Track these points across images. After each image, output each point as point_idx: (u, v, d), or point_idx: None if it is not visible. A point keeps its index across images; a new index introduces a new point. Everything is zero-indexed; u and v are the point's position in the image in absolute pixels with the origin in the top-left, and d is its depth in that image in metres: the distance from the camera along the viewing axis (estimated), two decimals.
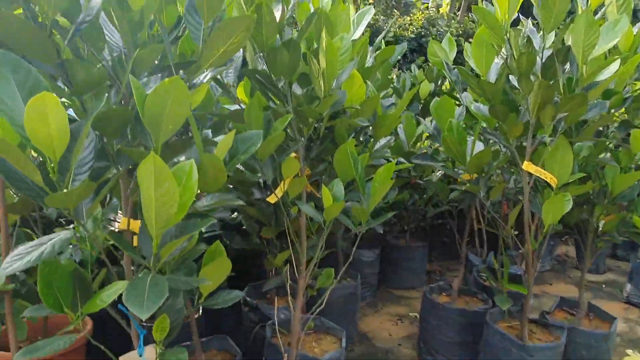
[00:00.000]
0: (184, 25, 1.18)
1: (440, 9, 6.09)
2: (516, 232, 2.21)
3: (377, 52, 2.33)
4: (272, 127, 1.41)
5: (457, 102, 2.93)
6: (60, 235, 0.96)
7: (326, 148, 1.64)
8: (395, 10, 4.81)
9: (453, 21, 4.89)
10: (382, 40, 3.21)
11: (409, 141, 2.55)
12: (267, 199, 1.56)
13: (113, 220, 1.30)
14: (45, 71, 1.02)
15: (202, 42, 1.10)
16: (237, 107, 1.64)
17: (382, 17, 4.40)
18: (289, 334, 2.06)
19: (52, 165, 0.88)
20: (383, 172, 1.51)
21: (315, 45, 1.56)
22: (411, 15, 4.40)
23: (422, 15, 4.34)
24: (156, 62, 1.19)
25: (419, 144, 2.80)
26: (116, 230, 1.27)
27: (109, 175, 1.16)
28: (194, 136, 1.13)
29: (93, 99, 1.07)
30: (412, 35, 4.15)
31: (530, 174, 1.83)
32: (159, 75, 1.20)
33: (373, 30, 4.02)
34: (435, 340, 2.45)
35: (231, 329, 2.45)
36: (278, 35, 1.56)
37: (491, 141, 2.26)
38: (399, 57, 3.11)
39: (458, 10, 6.02)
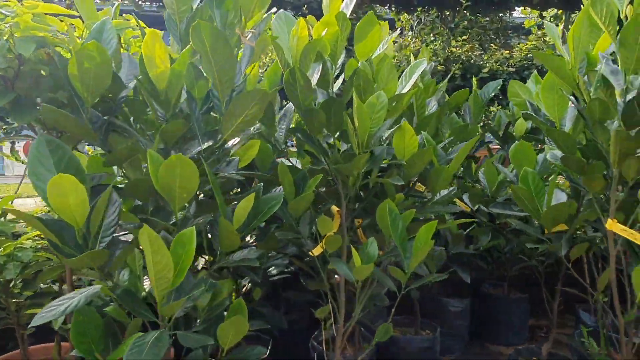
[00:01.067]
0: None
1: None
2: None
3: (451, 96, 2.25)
4: (307, 186, 1.44)
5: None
6: (89, 289, 1.10)
7: (371, 203, 1.61)
8: (493, 45, 4.50)
9: None
10: (475, 79, 3.07)
11: (490, 187, 2.37)
12: (310, 252, 1.58)
13: None
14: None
15: (221, 115, 1.18)
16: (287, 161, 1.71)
17: (478, 52, 4.15)
18: None
19: (77, 232, 1.03)
20: (424, 233, 1.43)
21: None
22: (511, 48, 4.08)
23: (526, 46, 3.99)
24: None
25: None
26: None
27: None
28: (218, 202, 1.21)
29: (130, 167, 1.22)
30: (512, 69, 3.85)
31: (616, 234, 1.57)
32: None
33: (466, 67, 3.84)
34: None
35: None
36: (327, 92, 1.61)
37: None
38: (494, 94, 2.95)
39: None
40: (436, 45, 4.08)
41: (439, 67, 3.69)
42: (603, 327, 1.99)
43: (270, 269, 2.33)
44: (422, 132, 1.74)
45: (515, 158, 2.01)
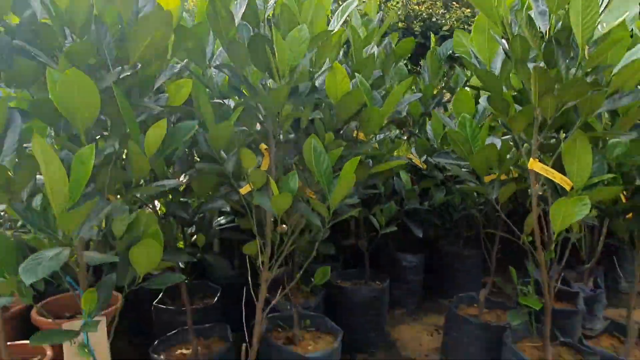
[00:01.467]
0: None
1: None
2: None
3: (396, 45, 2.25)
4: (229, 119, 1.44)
5: None
6: None
7: (302, 141, 1.63)
8: (455, 3, 4.45)
9: None
10: (435, 37, 3.06)
11: (436, 139, 2.40)
12: (240, 190, 1.60)
13: None
14: None
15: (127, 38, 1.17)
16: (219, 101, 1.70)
17: (442, 10, 4.10)
18: (291, 329, 2.07)
19: None
20: (348, 168, 1.45)
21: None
22: (474, 7, 4.03)
23: None
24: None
25: None
26: None
27: None
28: (128, 126, 1.21)
29: (39, 91, 1.21)
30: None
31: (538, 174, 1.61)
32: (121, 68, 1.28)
33: (427, 25, 3.81)
34: (457, 355, 2.26)
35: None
36: (257, 29, 1.59)
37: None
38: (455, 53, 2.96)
39: None
40: (398, 2, 4.05)
41: (399, 25, 3.67)
42: (532, 271, 2.06)
43: (219, 219, 2.36)
44: (357, 74, 1.74)
45: (456, 106, 2.03)
